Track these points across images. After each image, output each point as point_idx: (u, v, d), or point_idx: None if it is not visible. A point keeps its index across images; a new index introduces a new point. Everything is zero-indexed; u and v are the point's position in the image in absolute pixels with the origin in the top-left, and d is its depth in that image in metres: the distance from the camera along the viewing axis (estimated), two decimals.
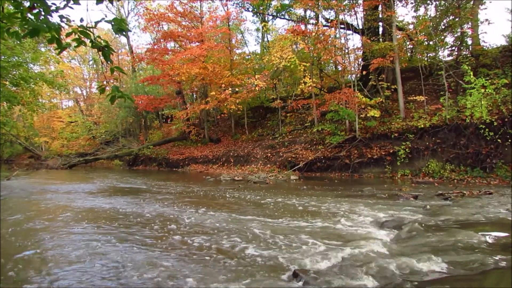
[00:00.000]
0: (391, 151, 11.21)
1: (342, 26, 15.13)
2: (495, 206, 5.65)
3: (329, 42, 13.36)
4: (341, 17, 14.60)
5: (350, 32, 16.16)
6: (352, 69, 15.27)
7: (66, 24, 2.87)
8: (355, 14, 16.35)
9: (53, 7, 2.78)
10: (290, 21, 20.40)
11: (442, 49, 14.69)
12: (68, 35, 2.95)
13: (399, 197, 7.12)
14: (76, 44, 2.97)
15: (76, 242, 4.33)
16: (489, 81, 10.03)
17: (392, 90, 12.92)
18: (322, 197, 7.40)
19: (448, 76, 11.74)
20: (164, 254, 3.80)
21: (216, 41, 20.31)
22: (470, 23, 13.43)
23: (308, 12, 18.38)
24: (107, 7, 28.08)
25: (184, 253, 3.84)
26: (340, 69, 15.89)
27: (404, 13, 47.89)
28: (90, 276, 3.22)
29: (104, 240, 4.39)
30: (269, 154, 14.84)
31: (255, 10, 20.81)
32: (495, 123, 9.25)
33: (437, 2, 14.35)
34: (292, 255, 3.60)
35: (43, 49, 17.06)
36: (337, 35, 13.90)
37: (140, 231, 4.80)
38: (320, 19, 17.66)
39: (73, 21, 3.05)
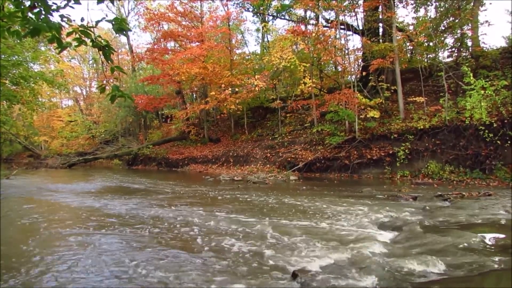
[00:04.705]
0: (390, 152, 11.21)
1: (342, 26, 15.13)
2: (494, 207, 5.66)
3: (329, 42, 13.36)
4: (341, 17, 14.61)
5: (350, 32, 16.18)
6: (352, 69, 15.30)
7: (66, 23, 2.87)
8: (355, 15, 16.37)
9: (54, 7, 2.78)
10: (290, 22, 20.41)
11: (442, 50, 14.72)
12: (68, 34, 2.96)
13: (398, 198, 7.13)
14: (76, 44, 2.97)
15: (75, 240, 4.33)
16: (489, 82, 10.03)
17: (392, 91, 12.92)
18: (321, 197, 7.40)
19: (448, 77, 11.75)
20: (162, 254, 3.80)
21: (216, 41, 20.30)
22: (470, 25, 13.44)
23: (308, 13, 18.44)
24: (107, 6, 28.08)
25: (182, 252, 3.84)
26: (340, 69, 15.90)
27: (404, 14, 47.86)
28: (88, 276, 3.22)
29: (103, 240, 4.40)
30: (269, 155, 14.84)
31: (255, 10, 20.81)
32: (495, 125, 9.26)
33: (437, 4, 14.37)
34: (291, 255, 3.61)
35: (43, 48, 17.06)
36: (337, 36, 13.89)
37: (138, 231, 4.80)
38: (320, 19, 17.68)
39: (74, 20, 3.05)
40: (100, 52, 3.07)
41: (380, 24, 15.68)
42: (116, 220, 5.55)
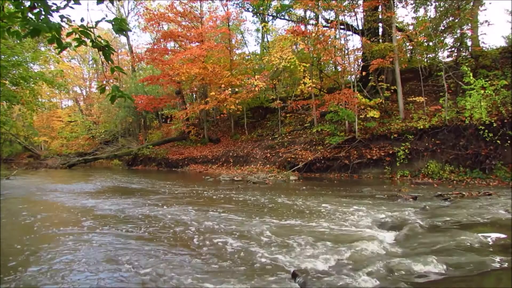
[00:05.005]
0: (390, 152, 11.22)
1: (342, 26, 15.13)
2: (494, 207, 5.65)
3: (329, 42, 13.36)
4: (341, 17, 14.61)
5: (350, 32, 16.16)
6: (352, 69, 15.28)
7: (66, 23, 2.87)
8: (355, 15, 16.37)
9: (54, 7, 2.78)
10: (290, 22, 20.40)
11: (442, 50, 14.71)
12: (68, 34, 2.95)
13: (398, 197, 7.13)
14: (76, 44, 2.97)
15: (70, 239, 4.33)
16: (489, 82, 10.04)
17: (392, 91, 12.92)
18: (321, 197, 7.40)
19: (447, 77, 11.75)
20: (162, 253, 3.80)
21: (216, 41, 20.30)
22: (469, 24, 13.44)
23: (308, 13, 18.39)
24: (107, 6, 28.08)
25: (182, 253, 3.84)
26: (340, 69, 15.89)
27: (404, 14, 47.51)
28: (82, 274, 3.22)
29: (98, 238, 4.39)
30: (269, 155, 14.84)
31: (255, 10, 20.80)
32: (495, 124, 9.26)
33: (437, 3, 14.37)
34: (291, 256, 3.61)
35: (43, 49, 17.06)
36: (337, 36, 13.89)
37: (138, 231, 4.80)
38: (320, 19, 17.67)
39: (74, 21, 3.05)
40: (100, 53, 3.07)
41: (380, 24, 15.68)
42: (112, 219, 5.55)
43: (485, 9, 13.99)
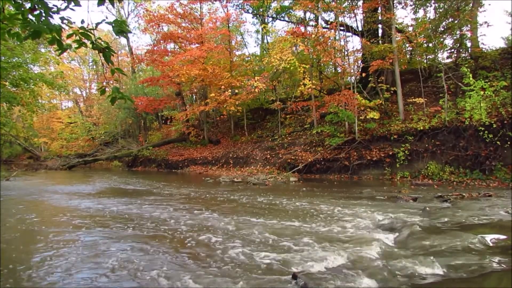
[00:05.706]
0: (390, 153, 11.22)
1: (342, 28, 15.15)
2: (494, 208, 5.66)
3: (329, 44, 13.37)
4: (340, 19, 14.62)
5: (350, 34, 16.19)
6: (352, 71, 15.29)
7: (67, 25, 2.88)
8: (355, 16, 16.38)
9: (54, 9, 2.79)
10: (290, 23, 20.43)
11: (442, 51, 14.72)
12: (69, 36, 2.96)
13: (398, 199, 7.12)
14: (76, 46, 2.97)
15: (60, 239, 4.32)
16: (488, 83, 10.05)
17: (392, 92, 12.93)
18: (321, 199, 7.39)
19: (447, 78, 11.77)
20: (163, 255, 3.80)
21: (216, 42, 20.33)
22: (469, 26, 13.46)
23: (308, 14, 18.43)
24: (107, 8, 28.16)
25: (183, 254, 3.83)
26: (339, 71, 15.90)
27: (404, 15, 47.75)
28: (87, 277, 3.22)
29: (89, 237, 4.39)
30: (269, 156, 14.84)
31: (255, 11, 20.84)
32: (494, 125, 9.26)
33: (436, 5, 14.40)
34: (291, 257, 3.60)
35: (43, 50, 17.08)
36: (337, 37, 13.91)
37: (138, 233, 4.80)
38: (320, 21, 17.71)
39: (74, 22, 3.06)
40: (100, 54, 3.08)
41: (380, 25, 15.70)
42: (111, 220, 5.54)
43: (485, 10, 14.03)
